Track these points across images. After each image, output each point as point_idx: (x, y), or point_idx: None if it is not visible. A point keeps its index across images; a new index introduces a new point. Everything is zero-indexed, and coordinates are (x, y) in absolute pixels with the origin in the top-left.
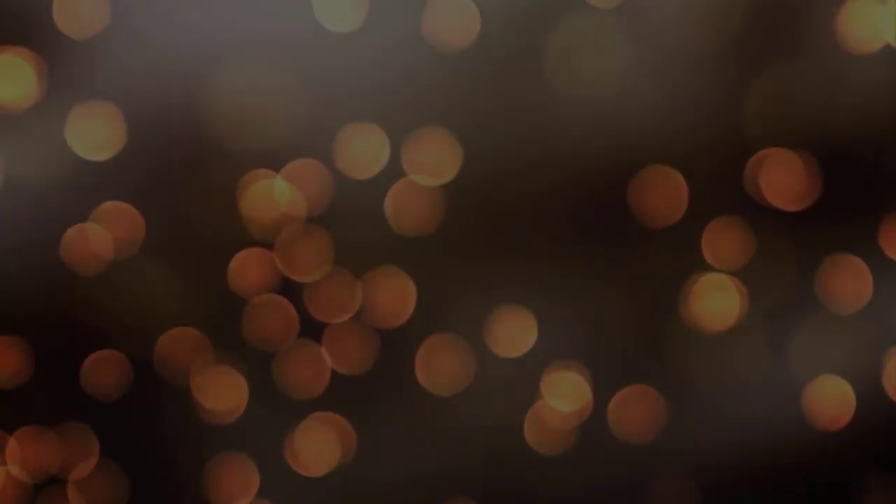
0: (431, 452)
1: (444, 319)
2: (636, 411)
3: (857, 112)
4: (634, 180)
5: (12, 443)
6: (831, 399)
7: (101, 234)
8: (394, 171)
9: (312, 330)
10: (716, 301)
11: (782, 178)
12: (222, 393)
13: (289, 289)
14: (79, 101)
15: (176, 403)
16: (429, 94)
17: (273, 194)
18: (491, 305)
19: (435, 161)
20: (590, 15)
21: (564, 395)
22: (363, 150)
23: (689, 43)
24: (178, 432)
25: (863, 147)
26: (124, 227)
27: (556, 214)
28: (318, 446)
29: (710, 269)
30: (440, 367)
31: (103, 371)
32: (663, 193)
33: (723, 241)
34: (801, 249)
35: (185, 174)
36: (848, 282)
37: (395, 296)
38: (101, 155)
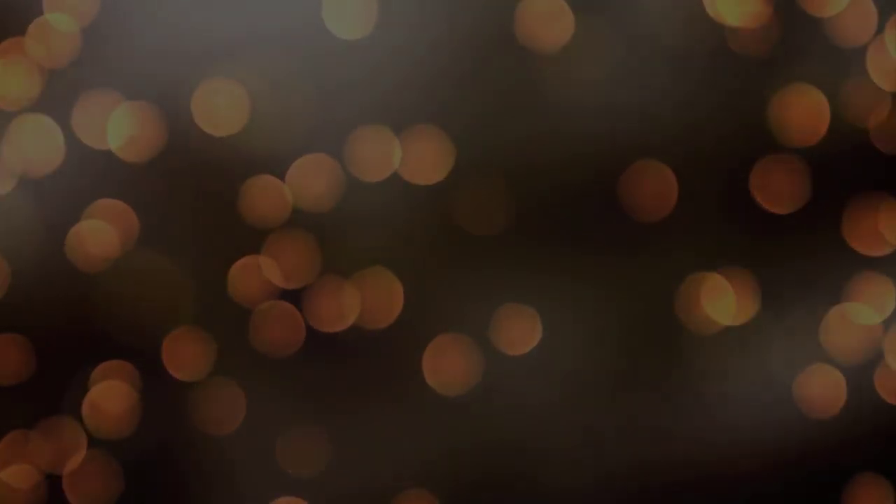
0: (432, 452)
1: (449, 319)
2: (638, 408)
3: (850, 113)
4: (631, 178)
5: (2, 447)
6: (824, 389)
7: (102, 231)
8: (391, 170)
9: (312, 332)
10: (712, 301)
11: (776, 181)
12: (221, 399)
13: (289, 294)
14: (82, 92)
15: (175, 402)
16: (421, 93)
17: (275, 196)
18: (493, 305)
19: (430, 161)
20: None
21: (568, 393)
22: (371, 153)
23: (683, 43)
24: (176, 431)
25: (854, 148)
26: (123, 224)
27: (556, 213)
28: (315, 446)
29: (706, 268)
30: (446, 367)
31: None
32: (658, 192)
33: (720, 241)
34: (795, 249)
35: (187, 171)
36: (841, 279)
37: (398, 297)
38: (106, 146)
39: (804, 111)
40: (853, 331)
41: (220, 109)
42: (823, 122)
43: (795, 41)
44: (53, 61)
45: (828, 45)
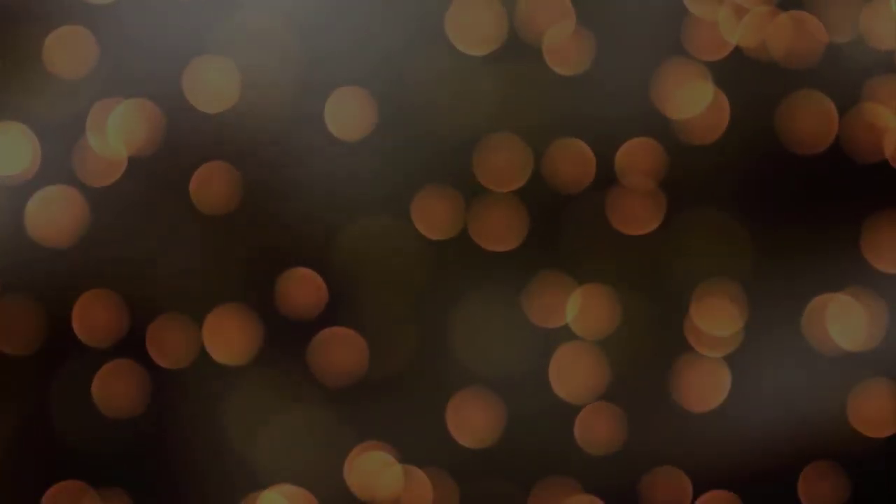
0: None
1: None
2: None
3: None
4: (633, 184)
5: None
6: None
7: (99, 227)
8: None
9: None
10: (712, 308)
11: (765, 186)
12: (215, 386)
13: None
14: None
15: (169, 391)
16: (422, 90)
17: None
18: (502, 310)
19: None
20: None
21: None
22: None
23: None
24: (170, 421)
25: (841, 153)
26: (120, 219)
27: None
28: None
29: (705, 275)
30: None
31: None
32: (662, 199)
33: (722, 249)
34: (790, 252)
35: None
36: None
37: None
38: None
39: (812, 118)
40: (848, 323)
41: (213, 89)
42: (832, 128)
43: (803, 47)
44: (71, 72)
45: (838, 50)
